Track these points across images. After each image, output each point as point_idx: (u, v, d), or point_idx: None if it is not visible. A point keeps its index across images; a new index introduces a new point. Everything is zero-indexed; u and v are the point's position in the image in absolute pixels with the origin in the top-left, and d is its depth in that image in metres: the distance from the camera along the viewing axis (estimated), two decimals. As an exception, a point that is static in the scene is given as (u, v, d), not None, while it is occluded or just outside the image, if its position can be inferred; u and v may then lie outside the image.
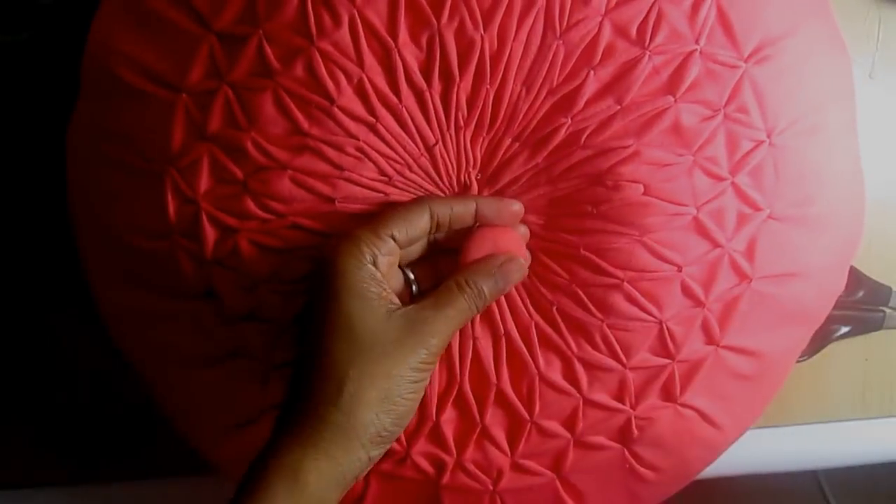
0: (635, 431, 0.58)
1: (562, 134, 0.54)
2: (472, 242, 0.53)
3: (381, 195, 0.55)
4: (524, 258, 0.54)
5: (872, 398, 0.76)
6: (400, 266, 0.53)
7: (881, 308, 0.75)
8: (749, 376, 0.60)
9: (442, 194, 0.56)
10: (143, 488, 0.74)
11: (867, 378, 0.76)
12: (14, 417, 0.74)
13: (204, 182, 0.54)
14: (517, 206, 0.55)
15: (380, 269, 0.50)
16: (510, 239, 0.54)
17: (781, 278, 0.58)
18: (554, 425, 0.57)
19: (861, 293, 0.74)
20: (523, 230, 0.56)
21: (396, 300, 0.51)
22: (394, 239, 0.51)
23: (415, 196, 0.55)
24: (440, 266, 0.55)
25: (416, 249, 0.54)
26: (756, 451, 0.74)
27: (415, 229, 0.52)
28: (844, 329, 0.74)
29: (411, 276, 0.54)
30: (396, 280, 0.53)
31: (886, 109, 0.75)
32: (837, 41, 0.62)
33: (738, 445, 0.64)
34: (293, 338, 0.54)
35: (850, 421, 0.76)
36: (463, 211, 0.53)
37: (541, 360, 0.56)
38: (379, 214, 0.52)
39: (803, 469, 0.77)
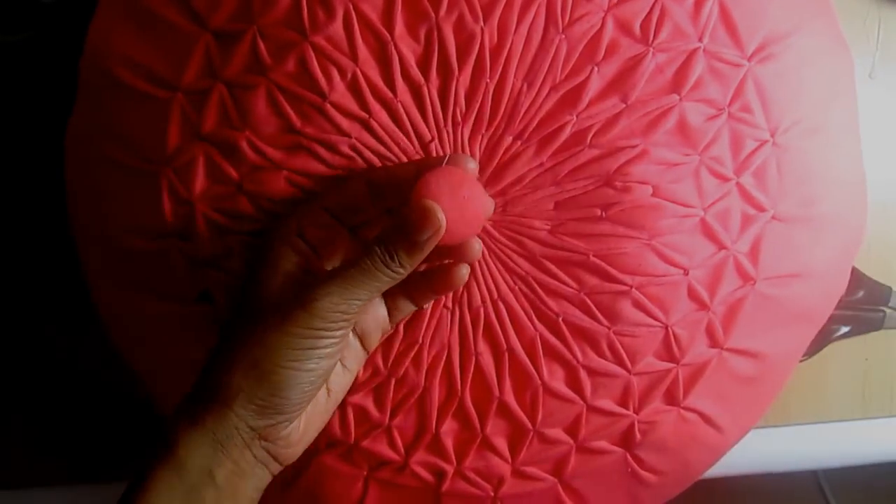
0: (638, 436, 0.56)
1: (567, 132, 0.51)
2: (412, 197, 0.46)
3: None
4: (478, 214, 0.47)
5: (872, 398, 0.74)
6: None
7: (881, 308, 0.73)
8: (752, 378, 0.58)
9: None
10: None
11: (867, 378, 0.74)
12: (14, 418, 0.72)
13: (199, 182, 0.52)
14: (472, 164, 0.48)
15: (308, 239, 0.48)
16: (458, 189, 0.46)
17: (785, 279, 0.56)
18: (556, 432, 0.55)
19: (861, 293, 0.72)
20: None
21: (323, 270, 0.48)
22: (328, 210, 0.48)
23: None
24: None
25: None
26: (756, 451, 0.72)
27: (348, 195, 0.49)
28: (844, 329, 0.73)
29: None
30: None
31: (886, 109, 0.73)
32: (840, 41, 0.60)
33: (738, 445, 0.63)
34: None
35: (850, 421, 0.74)
36: (401, 170, 0.49)
37: (545, 371, 0.54)
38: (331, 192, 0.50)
39: (803, 469, 0.75)
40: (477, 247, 0.49)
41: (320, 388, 0.48)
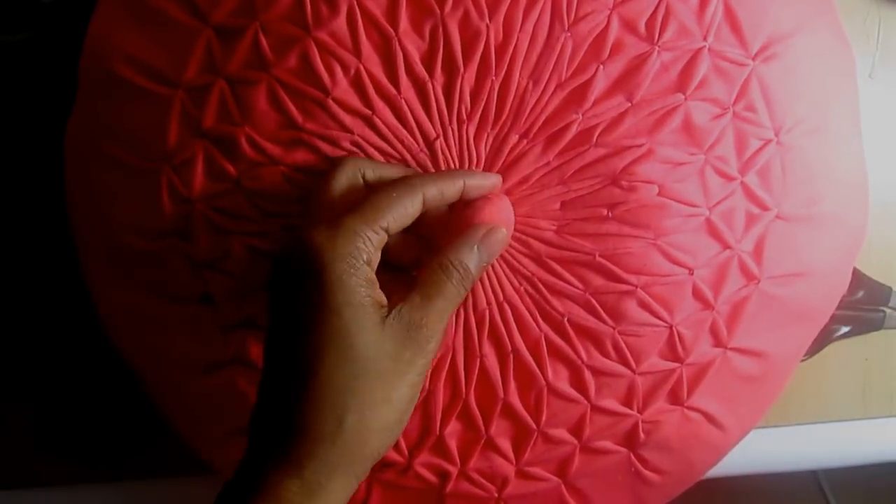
0: (642, 435, 0.56)
1: (573, 130, 0.50)
2: (455, 219, 0.49)
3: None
4: (507, 225, 0.50)
5: (872, 398, 0.74)
6: None
7: (881, 308, 0.72)
8: (755, 377, 0.58)
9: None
10: (143, 488, 0.71)
11: (867, 378, 0.74)
12: (14, 418, 0.71)
13: (199, 180, 0.51)
14: (497, 179, 0.50)
15: (372, 267, 0.43)
16: (493, 208, 0.49)
17: (788, 278, 0.55)
18: (561, 433, 0.54)
19: (861, 293, 0.72)
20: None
21: (384, 299, 0.44)
22: (386, 230, 0.44)
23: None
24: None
25: None
26: (756, 451, 0.71)
27: (407, 217, 0.45)
28: (844, 329, 0.72)
29: None
30: None
31: (886, 109, 0.73)
32: (842, 40, 0.60)
33: (738, 445, 0.62)
34: (265, 348, 0.46)
35: (850, 421, 0.74)
36: (452, 192, 0.48)
37: (549, 371, 0.53)
38: (369, 201, 0.44)
39: (803, 469, 0.75)
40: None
41: None
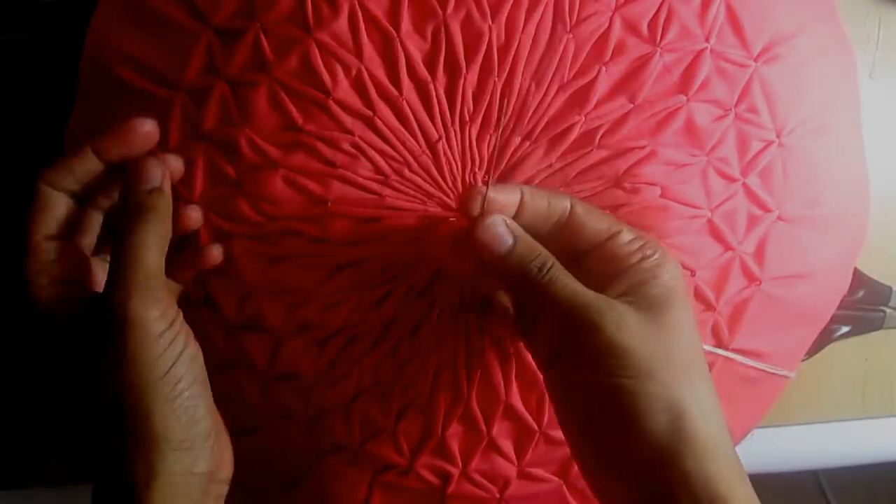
0: None
1: (575, 132, 0.50)
2: None
3: (376, 197, 0.50)
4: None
5: (872, 398, 0.74)
6: None
7: (881, 308, 0.73)
8: (755, 378, 0.57)
9: (441, 196, 0.51)
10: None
11: (867, 378, 0.74)
12: (14, 418, 0.71)
13: (199, 182, 0.51)
14: (178, 163, 0.50)
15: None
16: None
17: (789, 280, 0.55)
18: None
19: (861, 293, 0.72)
20: None
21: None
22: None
23: (412, 199, 0.50)
24: None
25: None
26: (756, 451, 0.71)
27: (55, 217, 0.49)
28: (844, 329, 0.72)
29: None
30: None
31: (886, 109, 0.73)
32: (843, 42, 0.60)
33: (738, 445, 0.60)
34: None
35: (850, 421, 0.74)
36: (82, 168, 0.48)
37: None
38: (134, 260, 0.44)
39: (803, 469, 0.74)
40: None
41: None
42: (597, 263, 0.46)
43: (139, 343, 0.42)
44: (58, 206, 0.48)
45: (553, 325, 0.44)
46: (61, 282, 0.47)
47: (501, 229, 0.45)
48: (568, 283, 0.44)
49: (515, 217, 0.46)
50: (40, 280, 0.48)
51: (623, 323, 0.42)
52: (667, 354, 0.43)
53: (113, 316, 0.43)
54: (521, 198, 0.46)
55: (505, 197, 0.45)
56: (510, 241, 0.45)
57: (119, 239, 0.44)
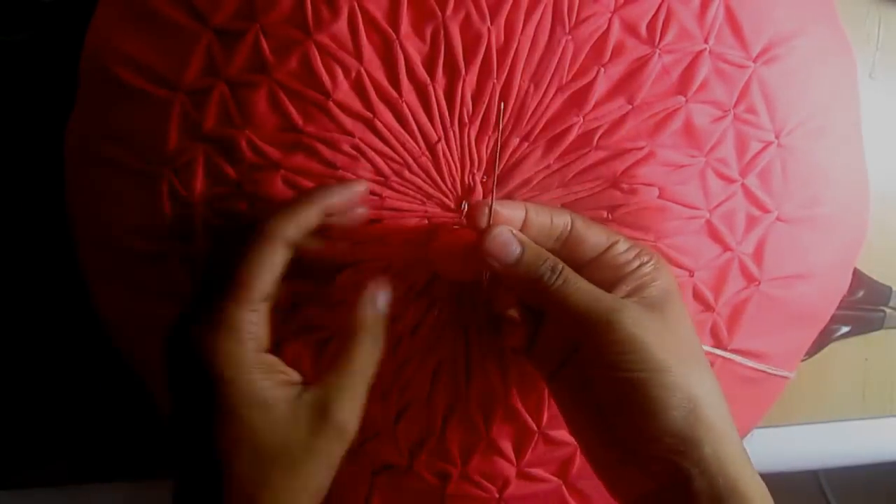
0: None
1: (574, 133, 0.50)
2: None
3: (376, 198, 0.50)
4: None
5: (872, 398, 0.74)
6: None
7: (881, 308, 0.73)
8: (755, 379, 0.57)
9: (440, 197, 0.51)
10: (143, 488, 0.71)
11: (867, 378, 0.74)
12: (15, 418, 0.71)
13: (199, 183, 0.51)
14: (362, 186, 0.47)
15: (263, 345, 0.43)
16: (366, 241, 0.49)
17: (788, 280, 0.55)
18: (562, 434, 0.54)
19: (861, 293, 0.72)
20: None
21: (295, 375, 0.43)
22: (263, 298, 0.43)
23: (412, 200, 0.51)
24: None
25: None
26: (756, 451, 0.69)
27: (278, 272, 0.43)
28: (844, 329, 0.73)
29: None
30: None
31: (886, 109, 0.73)
32: (843, 43, 0.60)
33: None
34: (174, 442, 0.44)
35: (851, 421, 0.74)
36: (312, 221, 0.45)
37: None
38: (236, 276, 0.42)
39: (803, 469, 0.75)
40: None
41: None
42: (597, 273, 0.47)
43: (325, 457, 0.42)
44: (282, 259, 0.45)
45: (567, 326, 0.45)
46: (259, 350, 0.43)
47: (509, 238, 0.46)
48: (581, 283, 0.45)
49: (521, 232, 0.47)
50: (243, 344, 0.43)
51: (638, 319, 0.44)
52: (677, 348, 0.44)
53: (331, 427, 0.42)
54: (526, 214, 0.47)
55: (510, 212, 0.47)
56: (518, 249, 0.46)
57: (343, 350, 0.44)
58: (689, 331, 0.47)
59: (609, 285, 0.46)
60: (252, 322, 0.42)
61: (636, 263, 0.47)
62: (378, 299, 0.46)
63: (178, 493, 0.43)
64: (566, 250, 0.47)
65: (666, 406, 0.43)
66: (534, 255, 0.46)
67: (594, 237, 0.47)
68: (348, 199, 0.47)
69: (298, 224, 0.44)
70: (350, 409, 0.43)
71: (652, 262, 0.47)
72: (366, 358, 0.44)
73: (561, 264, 0.46)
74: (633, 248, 0.47)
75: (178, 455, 0.43)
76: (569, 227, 0.47)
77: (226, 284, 0.42)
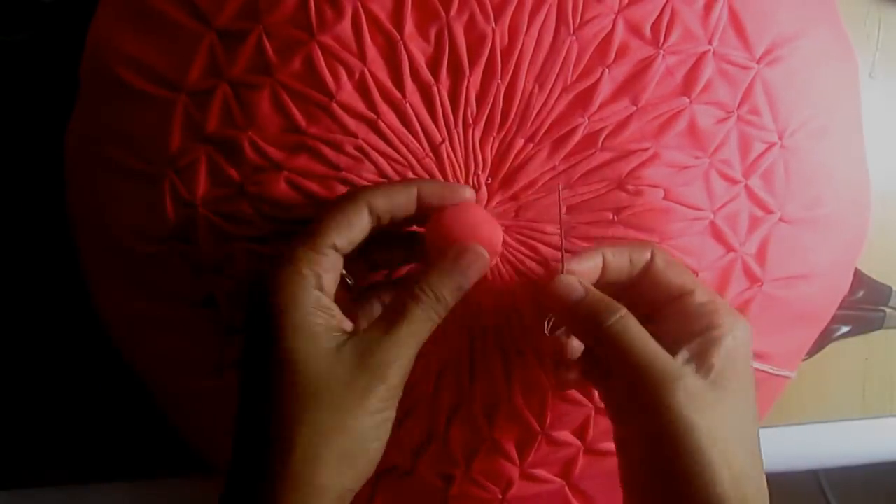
0: None
1: (579, 134, 0.50)
2: (428, 238, 0.47)
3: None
4: (487, 239, 0.47)
5: (872, 398, 0.74)
6: None
7: (881, 308, 0.73)
8: (757, 379, 0.55)
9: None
10: (143, 488, 0.71)
11: (867, 378, 0.74)
12: (14, 418, 0.70)
13: (201, 185, 0.50)
14: (468, 192, 0.47)
15: (325, 289, 0.42)
16: (470, 223, 0.47)
17: (791, 280, 0.55)
18: (565, 435, 0.54)
19: (861, 293, 0.72)
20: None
21: (348, 324, 0.43)
22: (335, 249, 0.43)
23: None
24: (374, 256, 0.49)
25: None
26: None
27: (356, 232, 0.44)
28: (844, 329, 0.72)
29: (342, 270, 0.45)
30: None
31: (886, 109, 0.73)
32: (844, 43, 0.60)
33: None
34: (238, 385, 0.45)
35: (851, 421, 0.74)
36: (403, 201, 0.45)
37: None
38: (314, 224, 0.44)
39: (803, 469, 0.75)
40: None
41: None
42: (666, 322, 0.47)
43: (364, 398, 0.42)
44: (360, 219, 0.45)
45: (625, 380, 0.45)
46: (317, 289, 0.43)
47: (573, 281, 0.46)
48: (641, 334, 0.45)
49: (598, 277, 0.48)
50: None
51: (691, 392, 0.44)
52: (727, 424, 0.44)
53: (372, 369, 0.42)
54: (603, 259, 0.47)
55: (587, 265, 0.47)
56: (581, 291, 0.46)
57: (401, 307, 0.44)
58: (745, 404, 0.46)
59: (674, 341, 0.46)
60: (315, 262, 0.42)
61: (706, 322, 0.46)
62: (461, 274, 0.45)
63: (236, 421, 0.43)
64: (643, 286, 0.48)
65: (710, 480, 0.43)
66: (597, 298, 0.46)
67: (673, 279, 0.48)
68: (448, 199, 0.46)
69: (387, 196, 0.45)
70: (394, 357, 0.42)
71: (722, 325, 0.46)
72: (420, 324, 0.43)
73: (623, 310, 0.45)
74: (711, 302, 0.47)
75: (240, 385, 0.44)
76: (647, 263, 0.48)
77: (304, 231, 0.44)
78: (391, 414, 0.43)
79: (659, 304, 0.48)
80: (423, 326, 0.43)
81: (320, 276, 0.42)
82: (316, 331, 0.41)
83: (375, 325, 0.43)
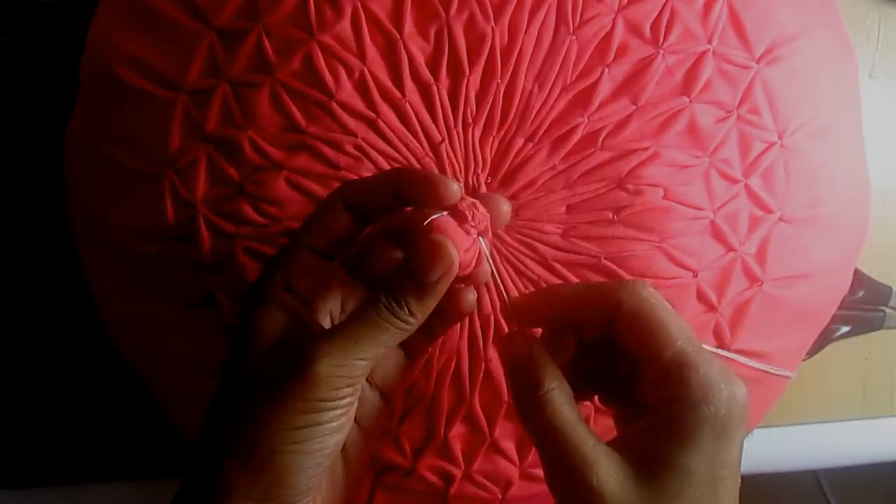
0: None
1: (579, 133, 0.50)
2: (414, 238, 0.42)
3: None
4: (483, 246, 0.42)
5: (872, 398, 0.74)
6: None
7: (881, 308, 0.73)
8: (757, 379, 0.57)
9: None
10: (143, 488, 0.71)
11: (867, 378, 0.74)
12: (14, 418, 0.71)
13: (202, 185, 0.50)
14: (454, 186, 0.40)
15: (297, 291, 0.40)
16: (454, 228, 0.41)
17: (791, 280, 0.55)
18: (564, 435, 0.53)
19: (861, 293, 0.72)
20: (506, 207, 0.44)
21: (321, 323, 0.40)
22: (314, 250, 0.41)
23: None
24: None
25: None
26: (756, 451, 0.71)
27: (331, 227, 0.41)
28: (844, 329, 0.72)
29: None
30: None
31: (886, 109, 0.73)
32: (844, 43, 0.60)
33: None
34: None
35: (850, 421, 0.74)
36: (379, 185, 0.41)
37: None
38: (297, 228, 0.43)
39: (803, 469, 0.75)
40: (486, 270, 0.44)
41: (330, 466, 0.41)
42: (641, 380, 0.41)
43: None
44: (335, 215, 0.42)
45: (545, 458, 0.40)
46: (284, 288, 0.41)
47: (518, 340, 0.42)
48: (566, 412, 0.39)
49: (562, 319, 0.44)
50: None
51: (606, 488, 0.37)
52: None
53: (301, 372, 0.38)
54: (561, 303, 0.43)
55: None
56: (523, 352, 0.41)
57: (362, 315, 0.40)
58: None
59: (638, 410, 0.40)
60: (286, 262, 0.41)
61: (664, 395, 0.39)
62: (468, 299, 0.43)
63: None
64: (619, 338, 0.41)
65: None
66: (533, 364, 0.41)
67: (642, 331, 0.40)
68: (429, 190, 0.40)
69: (360, 185, 0.42)
70: (335, 368, 0.38)
71: (692, 396, 0.38)
72: (379, 339, 0.39)
73: (556, 383, 0.40)
74: (682, 365, 0.39)
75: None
76: (615, 309, 0.41)
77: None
78: (328, 433, 0.39)
79: (637, 359, 0.41)
80: (376, 335, 0.39)
81: (289, 275, 0.40)
82: (265, 327, 0.39)
83: (328, 329, 0.40)
